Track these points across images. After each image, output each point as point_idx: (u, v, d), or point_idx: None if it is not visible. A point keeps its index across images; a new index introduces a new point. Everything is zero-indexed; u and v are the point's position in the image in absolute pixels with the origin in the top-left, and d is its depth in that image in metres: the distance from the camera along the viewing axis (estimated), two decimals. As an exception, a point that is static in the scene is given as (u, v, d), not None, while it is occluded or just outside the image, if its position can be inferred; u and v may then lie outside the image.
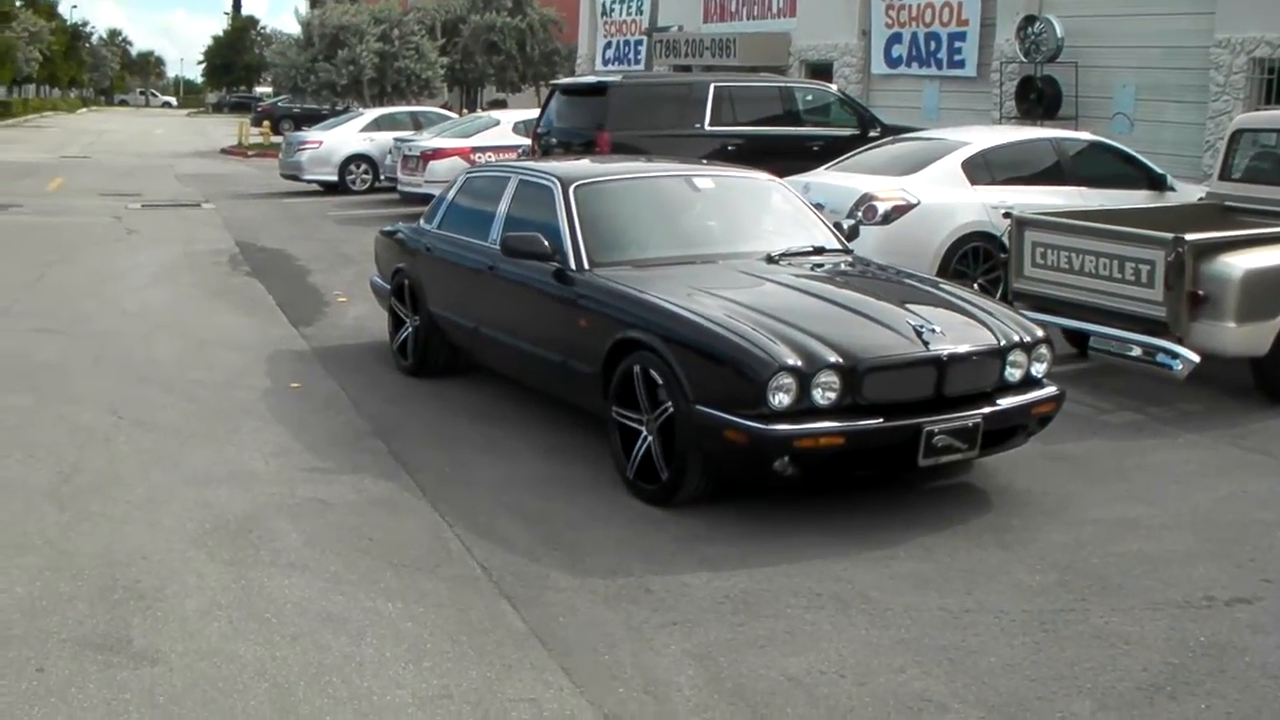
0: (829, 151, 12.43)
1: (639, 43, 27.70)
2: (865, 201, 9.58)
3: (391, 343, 8.44)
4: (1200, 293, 7.06)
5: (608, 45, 30.50)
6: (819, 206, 8.16)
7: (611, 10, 30.35)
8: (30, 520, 5.35)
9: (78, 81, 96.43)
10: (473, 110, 34.89)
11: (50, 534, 5.20)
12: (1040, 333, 5.87)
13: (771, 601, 4.61)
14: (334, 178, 21.93)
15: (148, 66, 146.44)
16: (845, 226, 7.59)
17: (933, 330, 5.51)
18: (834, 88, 16.19)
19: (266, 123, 40.27)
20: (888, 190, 9.72)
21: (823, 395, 5.21)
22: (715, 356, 5.39)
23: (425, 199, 13.36)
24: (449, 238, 7.83)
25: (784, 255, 6.63)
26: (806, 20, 23.10)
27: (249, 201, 20.89)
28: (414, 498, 5.78)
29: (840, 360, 5.24)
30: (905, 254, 8.69)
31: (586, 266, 6.42)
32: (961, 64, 19.66)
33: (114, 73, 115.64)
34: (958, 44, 19.74)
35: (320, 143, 22.25)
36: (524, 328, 6.86)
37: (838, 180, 10.27)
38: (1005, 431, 5.69)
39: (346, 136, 22.40)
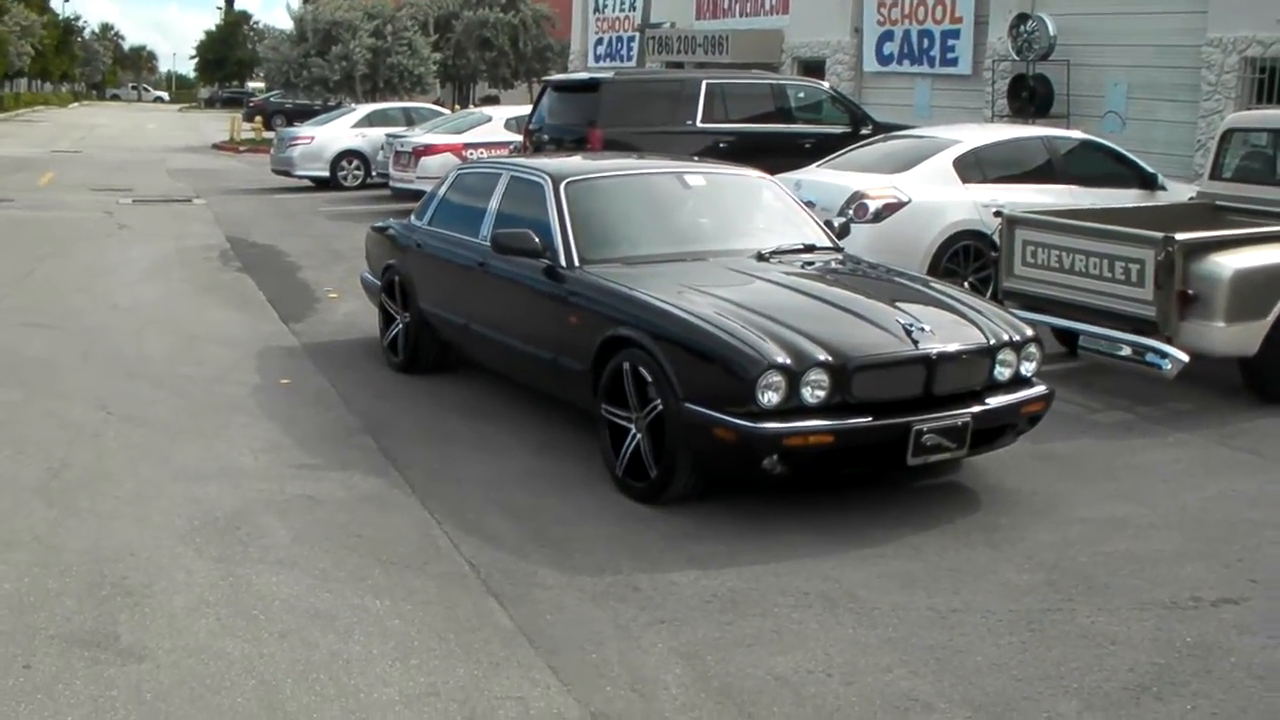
0: (821, 149, 12.46)
1: (631, 39, 27.70)
2: (856, 199, 9.59)
3: (382, 339, 8.43)
4: (1190, 292, 7.08)
5: (600, 41, 30.53)
6: (810, 204, 8.16)
7: (604, 6, 30.36)
8: (18, 516, 5.34)
9: (69, 76, 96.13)
10: (465, 106, 34.84)
11: (38, 530, 5.18)
12: (1030, 332, 5.87)
13: (759, 600, 4.62)
14: (325, 173, 21.90)
15: (140, 61, 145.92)
16: (836, 224, 7.60)
17: (922, 329, 5.52)
18: (826, 85, 16.21)
19: (258, 118, 40.30)
20: (879, 188, 9.73)
21: (812, 393, 5.22)
22: (704, 354, 5.39)
23: (417, 195, 13.33)
24: (440, 234, 7.82)
25: (774, 253, 6.63)
26: (799, 17, 23.15)
27: (240, 197, 20.84)
28: (403, 494, 5.78)
29: (830, 358, 5.24)
30: (896, 252, 8.70)
31: (577, 263, 6.42)
32: (954, 62, 19.70)
33: (106, 67, 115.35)
34: (950, 42, 19.78)
35: (312, 138, 22.19)
36: (514, 324, 6.86)
37: (829, 178, 10.27)
38: (994, 430, 5.69)
39: (338, 132, 22.36)
